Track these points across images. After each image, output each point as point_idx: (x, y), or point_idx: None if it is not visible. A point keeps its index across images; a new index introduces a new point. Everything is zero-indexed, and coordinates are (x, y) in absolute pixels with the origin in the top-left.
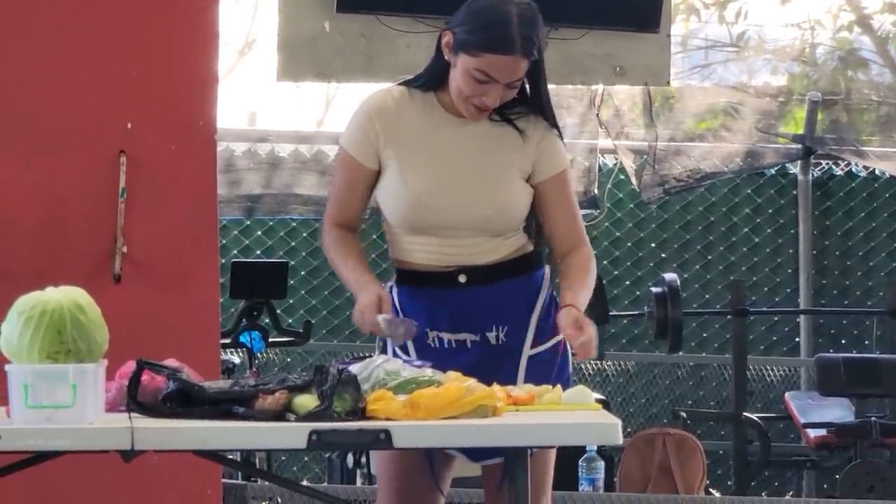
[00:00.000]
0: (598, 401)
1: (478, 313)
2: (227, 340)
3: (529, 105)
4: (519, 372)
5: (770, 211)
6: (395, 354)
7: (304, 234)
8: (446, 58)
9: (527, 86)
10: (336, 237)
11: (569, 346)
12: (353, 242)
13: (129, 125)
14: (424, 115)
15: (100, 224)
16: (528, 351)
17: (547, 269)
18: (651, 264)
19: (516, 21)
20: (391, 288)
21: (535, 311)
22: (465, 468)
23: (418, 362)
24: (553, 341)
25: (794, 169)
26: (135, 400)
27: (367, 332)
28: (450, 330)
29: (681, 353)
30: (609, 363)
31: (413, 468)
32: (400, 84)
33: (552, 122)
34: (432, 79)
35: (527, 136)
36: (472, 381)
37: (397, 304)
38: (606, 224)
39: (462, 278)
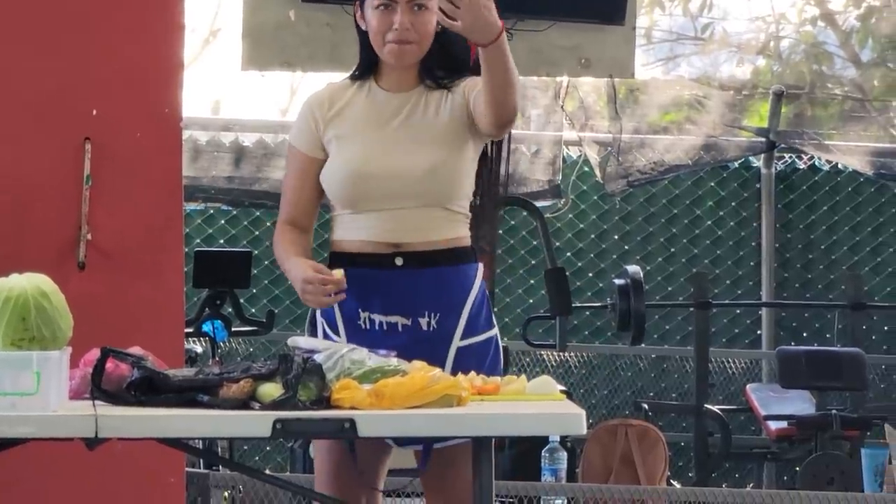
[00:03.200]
0: (561, 391)
1: (411, 297)
2: (190, 329)
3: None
4: (447, 361)
5: (733, 204)
6: (325, 336)
7: (268, 224)
8: (363, 28)
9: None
10: (283, 234)
11: (499, 341)
12: (299, 239)
13: (95, 112)
14: (361, 96)
15: (64, 211)
16: (457, 341)
17: (480, 266)
18: (614, 256)
19: None
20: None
21: (467, 303)
22: (401, 459)
23: (383, 351)
24: (485, 335)
25: (758, 162)
26: (99, 388)
27: (319, 306)
28: (382, 312)
29: (643, 345)
30: (571, 354)
31: (341, 459)
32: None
33: (454, 62)
34: (364, 62)
35: (450, 88)
36: (437, 371)
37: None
38: (570, 216)
39: (399, 261)
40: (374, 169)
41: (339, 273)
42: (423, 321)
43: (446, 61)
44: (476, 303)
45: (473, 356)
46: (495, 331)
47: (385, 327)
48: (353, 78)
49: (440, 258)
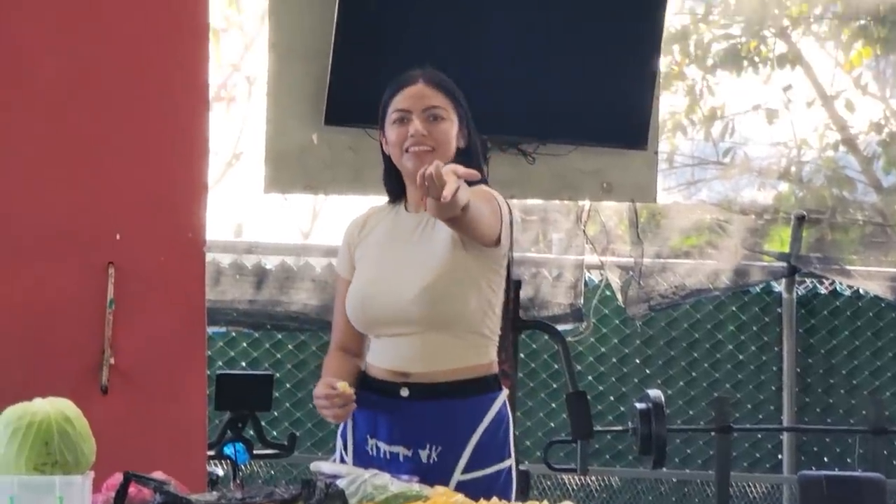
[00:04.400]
0: None
1: (413, 429)
2: (212, 452)
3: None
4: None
5: (754, 328)
6: (341, 458)
7: (290, 347)
8: (385, 152)
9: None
10: (328, 358)
11: (513, 474)
12: (342, 363)
13: (118, 236)
14: (389, 219)
15: (88, 335)
16: (458, 475)
17: (504, 393)
18: (636, 380)
19: (417, 68)
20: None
21: (473, 436)
22: None
23: (405, 476)
24: (494, 468)
25: (779, 287)
26: None
27: (334, 419)
28: (386, 440)
29: (664, 469)
30: (593, 478)
31: None
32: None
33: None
34: (390, 186)
35: None
36: (459, 497)
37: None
38: (592, 339)
39: (404, 392)
40: (377, 292)
41: (342, 386)
42: (424, 453)
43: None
44: (487, 434)
45: (477, 489)
46: (508, 462)
47: (388, 456)
48: (390, 200)
49: (447, 390)
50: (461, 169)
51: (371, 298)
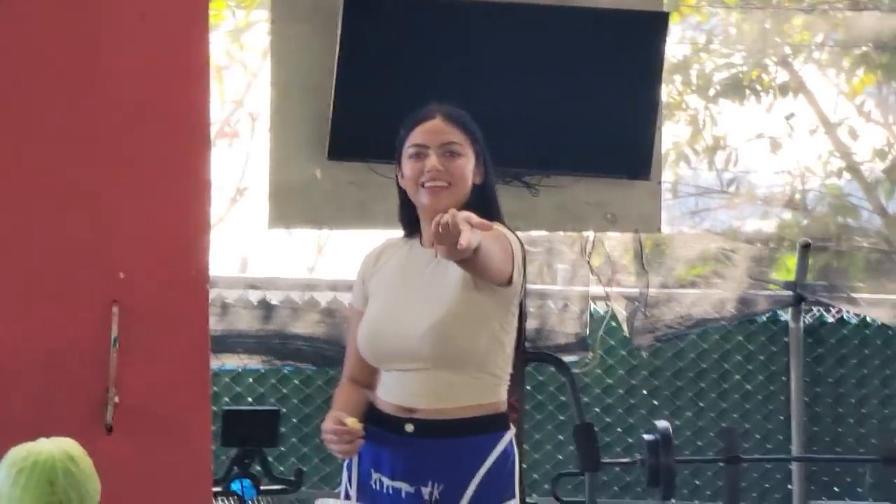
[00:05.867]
0: None
1: (416, 466)
2: (219, 489)
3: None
4: None
5: (762, 358)
6: (346, 493)
7: (296, 382)
8: (401, 185)
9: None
10: (339, 389)
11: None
12: (352, 396)
13: (122, 275)
14: (403, 254)
15: (92, 374)
16: None
17: (511, 432)
18: (643, 411)
19: (437, 104)
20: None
21: (476, 475)
22: None
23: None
24: None
25: (786, 316)
26: None
27: (341, 455)
28: (389, 476)
29: (673, 501)
30: None
31: None
32: None
33: (494, 213)
34: (404, 220)
35: None
36: None
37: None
38: (598, 371)
39: (409, 428)
40: (386, 327)
41: (351, 422)
42: (426, 490)
43: (484, 215)
44: (491, 473)
45: None
46: (513, 502)
47: (391, 491)
48: (406, 235)
49: (452, 429)
50: (475, 218)
51: (381, 333)
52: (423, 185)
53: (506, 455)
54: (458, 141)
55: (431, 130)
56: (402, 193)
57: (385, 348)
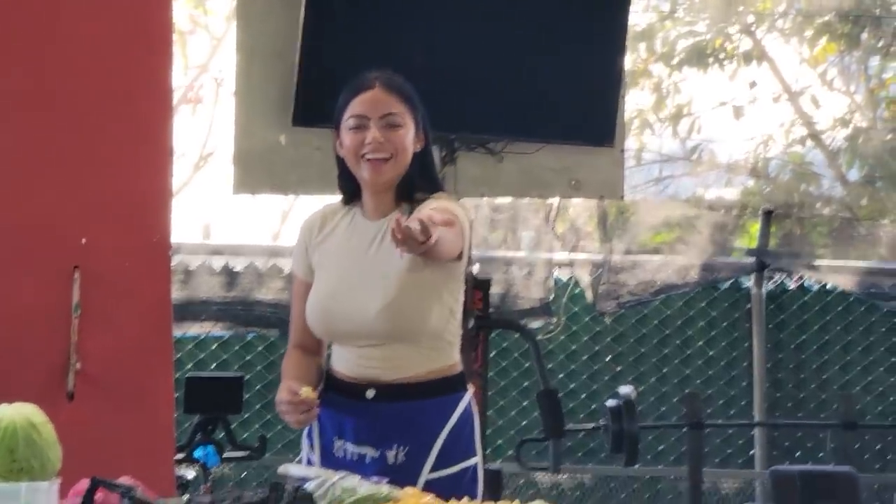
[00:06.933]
0: None
1: (380, 430)
2: (182, 455)
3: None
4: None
5: (724, 324)
6: (308, 460)
7: (260, 349)
8: (340, 154)
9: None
10: (288, 357)
11: (478, 470)
12: (302, 363)
13: (84, 240)
14: (345, 223)
15: (53, 340)
16: (426, 474)
17: (469, 392)
18: (607, 378)
19: (373, 71)
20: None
21: (440, 436)
22: None
23: (375, 478)
24: (460, 466)
25: (748, 282)
26: None
27: (296, 425)
28: (353, 441)
29: (637, 466)
30: (565, 477)
31: None
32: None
33: (433, 185)
34: (343, 188)
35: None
36: (429, 498)
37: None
38: (562, 337)
39: (370, 393)
40: (336, 307)
41: (306, 391)
42: (391, 454)
43: (425, 182)
44: (453, 433)
45: (444, 488)
46: (475, 459)
47: (355, 457)
48: (345, 202)
49: (413, 392)
50: (437, 216)
51: (332, 311)
52: (363, 157)
53: (467, 414)
54: (397, 111)
55: (371, 101)
56: (341, 162)
57: (338, 327)
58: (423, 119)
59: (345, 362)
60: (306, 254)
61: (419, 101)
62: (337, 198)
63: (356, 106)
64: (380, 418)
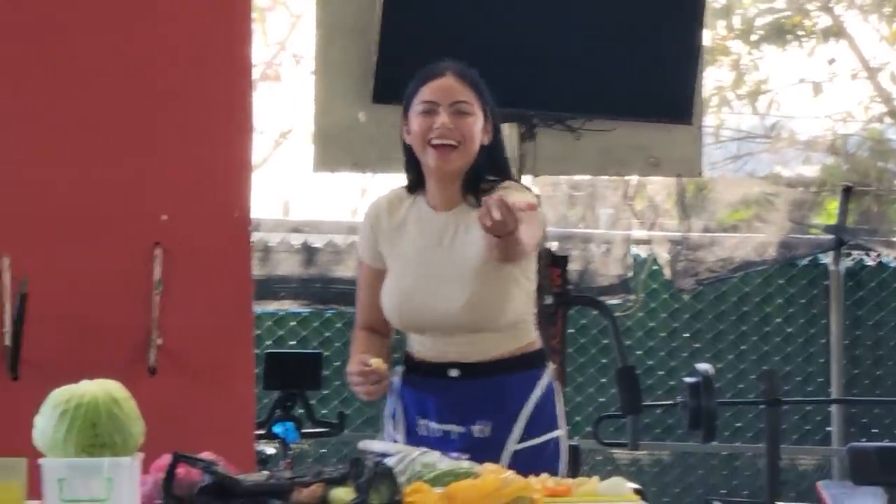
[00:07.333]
0: (635, 491)
1: (465, 407)
2: (262, 431)
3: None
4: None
5: (802, 301)
6: (391, 438)
7: (339, 325)
8: (407, 141)
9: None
10: (355, 339)
11: (561, 443)
12: (369, 342)
13: (164, 217)
14: (413, 213)
15: (135, 316)
16: (512, 446)
17: (548, 368)
18: (685, 354)
19: (446, 61)
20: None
21: (524, 409)
22: None
23: (455, 454)
24: (544, 437)
25: (826, 259)
26: (170, 494)
27: (367, 396)
28: (437, 420)
29: (715, 443)
30: (643, 453)
31: None
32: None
33: (504, 173)
34: (410, 176)
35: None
36: (509, 473)
37: (397, 388)
38: (640, 314)
39: (454, 372)
40: (418, 303)
41: (376, 362)
42: (476, 428)
43: (494, 174)
44: (538, 407)
45: (527, 459)
46: (558, 432)
47: (440, 434)
48: (409, 190)
49: (497, 369)
50: (519, 202)
51: (413, 307)
52: (430, 144)
53: (549, 388)
54: (468, 100)
55: (442, 88)
56: (408, 150)
57: (420, 321)
58: (492, 111)
59: (425, 348)
60: (375, 242)
61: (490, 93)
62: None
63: (426, 92)
64: (464, 396)
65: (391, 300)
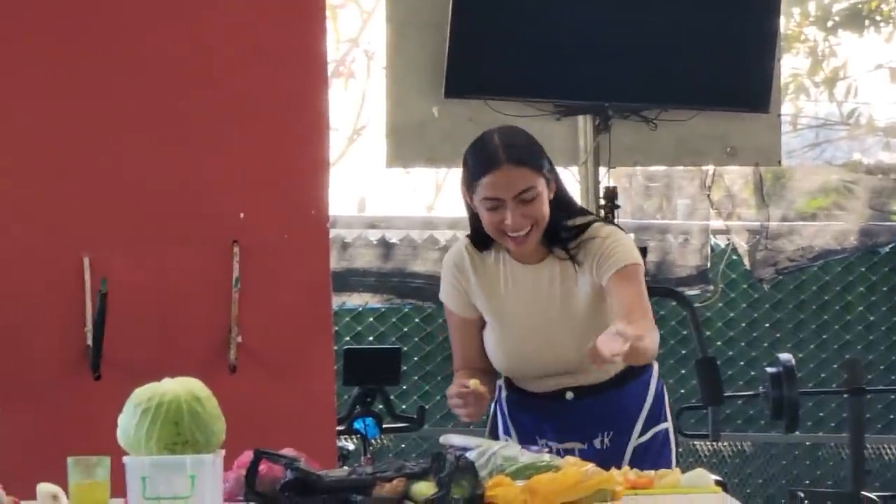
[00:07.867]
0: (717, 482)
1: (584, 424)
2: (341, 427)
3: (575, 226)
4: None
5: (884, 289)
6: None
7: (416, 320)
8: (473, 209)
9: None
10: (458, 376)
11: (670, 434)
12: (471, 374)
13: (242, 215)
14: (499, 269)
15: (214, 314)
16: (634, 442)
17: (654, 367)
18: (765, 344)
19: (497, 138)
20: (499, 388)
21: (642, 413)
22: None
23: (535, 447)
24: (652, 431)
25: None
26: (253, 490)
27: (468, 418)
28: (557, 439)
29: (797, 433)
30: (725, 444)
31: None
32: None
33: (575, 214)
34: (478, 234)
35: (580, 262)
36: (590, 466)
37: (504, 404)
38: (720, 304)
39: (569, 395)
40: (532, 351)
41: (474, 384)
42: (597, 441)
43: (566, 220)
44: (652, 405)
45: (638, 455)
46: (665, 425)
47: (562, 452)
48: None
49: (610, 385)
50: (629, 332)
51: (527, 356)
52: (505, 237)
53: (659, 388)
54: (530, 184)
55: (504, 183)
56: (474, 217)
57: (534, 369)
58: (551, 171)
59: (536, 386)
60: (464, 295)
61: (542, 151)
62: None
63: (489, 188)
64: (581, 416)
65: (498, 356)
